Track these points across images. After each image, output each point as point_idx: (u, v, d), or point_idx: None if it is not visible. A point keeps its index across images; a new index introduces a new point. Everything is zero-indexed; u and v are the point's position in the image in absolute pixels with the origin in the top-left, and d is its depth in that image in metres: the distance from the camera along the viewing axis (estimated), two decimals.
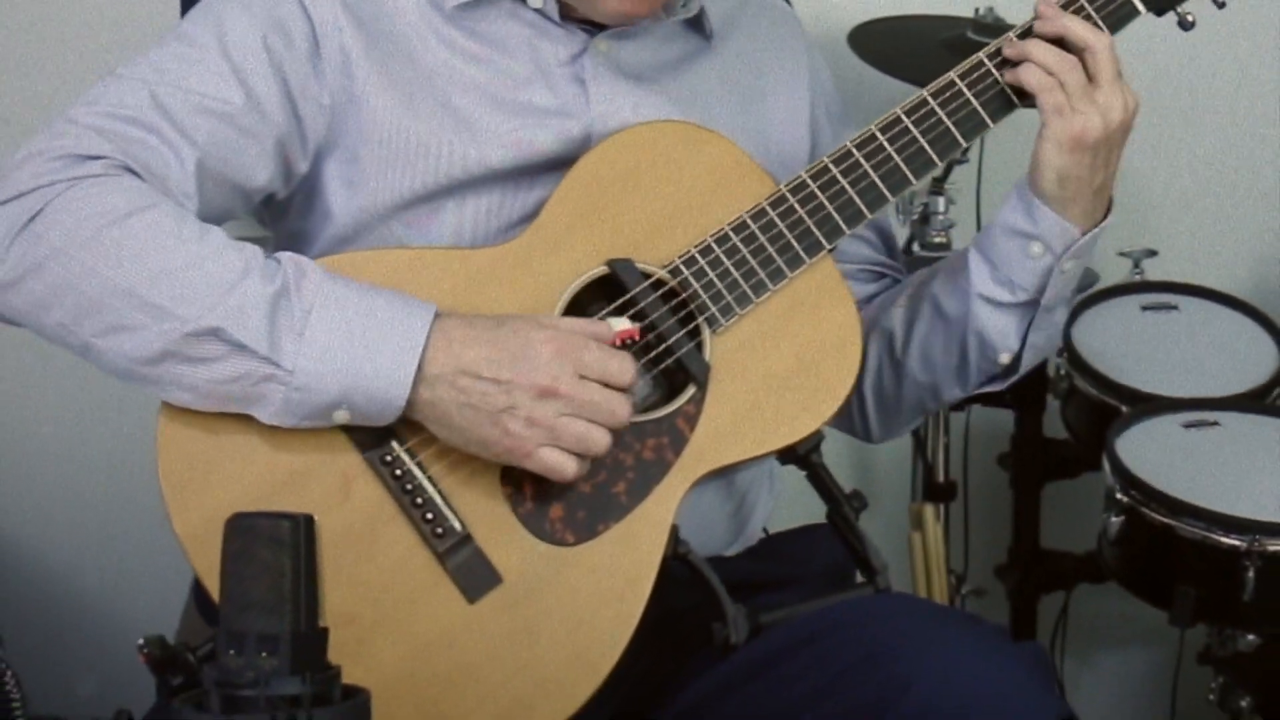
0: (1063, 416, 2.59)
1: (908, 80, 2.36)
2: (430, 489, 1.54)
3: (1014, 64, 1.68)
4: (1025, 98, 1.69)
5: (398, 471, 1.54)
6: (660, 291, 1.62)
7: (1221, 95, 2.88)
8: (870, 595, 1.63)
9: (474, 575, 1.53)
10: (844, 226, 1.67)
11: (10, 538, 2.80)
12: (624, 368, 1.53)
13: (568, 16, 1.70)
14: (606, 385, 1.52)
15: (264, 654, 1.21)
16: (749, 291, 1.64)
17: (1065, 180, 1.65)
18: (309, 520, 1.24)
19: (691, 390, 1.61)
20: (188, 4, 1.95)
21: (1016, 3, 1.92)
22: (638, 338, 1.59)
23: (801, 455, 1.64)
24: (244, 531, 1.23)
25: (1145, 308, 2.64)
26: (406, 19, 1.67)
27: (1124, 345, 2.54)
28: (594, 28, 1.71)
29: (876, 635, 1.50)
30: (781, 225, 1.65)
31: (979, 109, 1.69)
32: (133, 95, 1.57)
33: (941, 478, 2.72)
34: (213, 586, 1.39)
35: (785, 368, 1.63)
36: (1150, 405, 2.39)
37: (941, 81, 1.69)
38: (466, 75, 1.67)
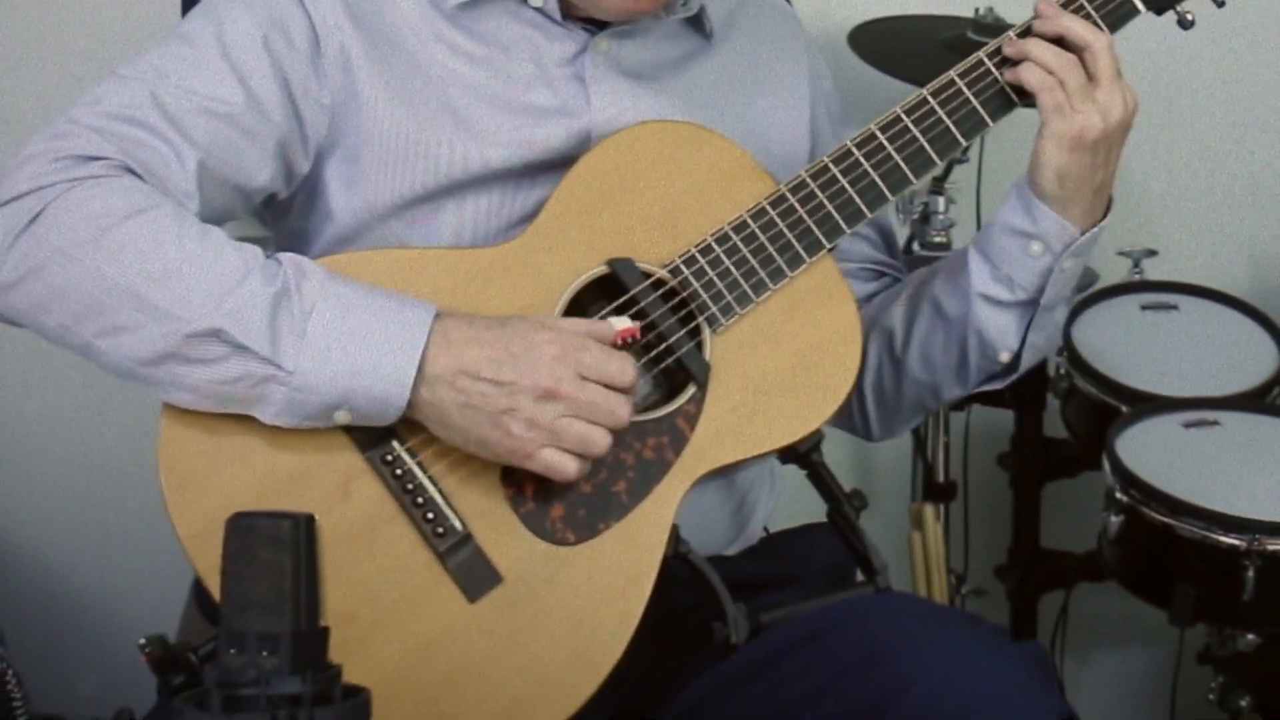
0: (1063, 416, 2.59)
1: (908, 80, 2.36)
2: (431, 488, 1.54)
3: (1014, 63, 1.68)
4: (1025, 97, 1.69)
5: (398, 471, 1.54)
6: (660, 291, 1.62)
7: (1221, 95, 2.88)
8: (870, 595, 1.63)
9: (474, 575, 1.53)
10: (844, 225, 1.67)
11: (11, 538, 2.80)
12: (624, 369, 1.53)
13: (569, 15, 1.70)
14: (607, 386, 1.52)
15: (265, 653, 1.21)
16: (749, 291, 1.64)
17: (1065, 179, 1.66)
18: (309, 520, 1.24)
19: (692, 390, 1.61)
20: (188, 4, 1.95)
21: (1016, 3, 1.92)
22: (638, 337, 1.59)
23: (802, 454, 1.64)
24: (244, 531, 1.23)
25: (1145, 307, 2.64)
26: (406, 19, 1.67)
27: (1124, 345, 2.54)
28: (594, 26, 1.71)
29: (877, 635, 1.50)
30: (782, 224, 1.65)
31: (979, 108, 1.69)
32: (133, 96, 1.57)
33: (941, 477, 2.72)
34: (213, 586, 1.40)
35: (785, 367, 1.63)
36: (1150, 405, 2.39)
37: (941, 81, 1.69)
38: (467, 75, 1.67)
